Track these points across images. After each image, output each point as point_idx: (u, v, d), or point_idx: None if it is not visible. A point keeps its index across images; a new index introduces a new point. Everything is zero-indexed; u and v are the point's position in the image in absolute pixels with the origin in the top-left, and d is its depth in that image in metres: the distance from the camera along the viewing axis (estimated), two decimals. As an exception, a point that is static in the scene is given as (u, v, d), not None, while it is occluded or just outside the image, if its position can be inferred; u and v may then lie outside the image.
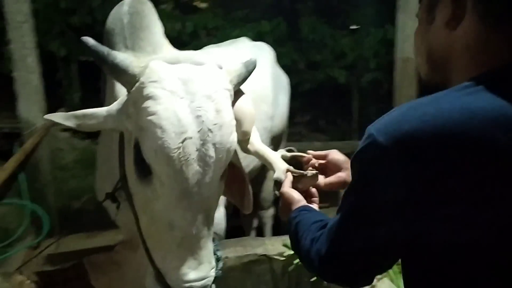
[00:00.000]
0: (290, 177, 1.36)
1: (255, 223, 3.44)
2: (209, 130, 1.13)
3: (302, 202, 1.26)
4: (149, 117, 1.11)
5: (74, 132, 4.04)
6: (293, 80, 3.47)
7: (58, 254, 3.74)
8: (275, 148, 3.22)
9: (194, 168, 1.12)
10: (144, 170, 1.16)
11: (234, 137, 1.22)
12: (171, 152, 1.09)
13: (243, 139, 1.48)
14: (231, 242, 2.40)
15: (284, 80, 3.18)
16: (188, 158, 1.10)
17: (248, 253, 2.34)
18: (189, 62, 1.21)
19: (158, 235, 1.20)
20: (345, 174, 1.39)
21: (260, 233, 3.45)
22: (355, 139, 5.69)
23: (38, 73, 3.72)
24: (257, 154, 1.54)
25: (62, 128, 4.11)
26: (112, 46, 1.45)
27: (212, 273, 1.23)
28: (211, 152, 1.13)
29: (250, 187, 1.52)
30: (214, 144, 1.14)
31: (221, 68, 1.28)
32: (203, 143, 1.12)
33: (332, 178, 1.41)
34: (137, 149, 1.16)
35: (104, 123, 1.27)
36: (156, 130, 1.09)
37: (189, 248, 1.16)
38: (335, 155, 1.45)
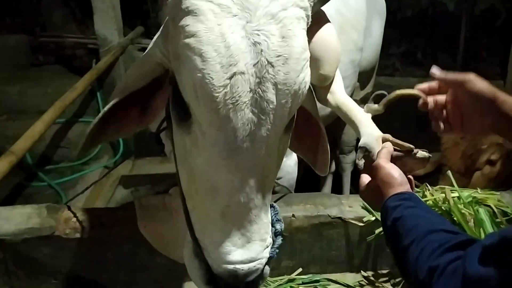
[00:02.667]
0: (390, 147, 1.00)
1: (332, 167, 2.96)
2: (270, 63, 0.78)
3: (405, 186, 0.93)
4: (187, 40, 0.78)
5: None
6: (392, 3, 2.78)
7: (132, 176, 3.62)
8: (362, 86, 2.66)
9: (245, 116, 0.80)
10: (182, 112, 0.87)
11: (305, 75, 0.84)
12: (215, 91, 0.77)
13: (321, 86, 1.10)
14: (300, 198, 1.95)
15: (380, 3, 2.62)
16: (237, 101, 0.78)
17: (319, 213, 1.89)
18: None
19: (198, 198, 0.91)
20: (491, 118, 0.92)
21: (336, 180, 2.97)
22: (459, 76, 4.83)
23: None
24: (338, 109, 1.13)
25: (139, 48, 3.81)
26: None
27: (266, 253, 0.91)
28: (271, 95, 0.80)
29: (327, 143, 1.18)
30: (275, 84, 0.80)
31: None
32: (260, 81, 0.79)
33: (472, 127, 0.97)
34: (174, 85, 0.87)
35: (149, 58, 0.97)
36: (195, 58, 0.77)
37: (236, 221, 0.86)
38: (476, 83, 0.93)
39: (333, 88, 1.14)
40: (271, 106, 0.81)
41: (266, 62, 0.78)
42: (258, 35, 0.78)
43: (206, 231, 0.90)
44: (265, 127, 0.82)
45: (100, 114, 1.03)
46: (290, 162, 1.87)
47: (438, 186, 2.04)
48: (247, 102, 0.79)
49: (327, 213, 1.89)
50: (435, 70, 1.01)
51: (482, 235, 1.77)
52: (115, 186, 3.51)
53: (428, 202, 1.92)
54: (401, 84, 4.35)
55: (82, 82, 3.04)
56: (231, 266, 0.86)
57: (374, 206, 1.03)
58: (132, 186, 3.56)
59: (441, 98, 1.01)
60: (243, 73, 0.77)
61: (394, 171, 0.94)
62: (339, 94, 1.14)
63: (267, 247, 0.93)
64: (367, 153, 1.02)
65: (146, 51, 1.07)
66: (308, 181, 2.25)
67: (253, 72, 0.78)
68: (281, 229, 1.05)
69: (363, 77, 2.54)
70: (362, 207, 1.91)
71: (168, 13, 0.86)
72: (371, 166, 1.01)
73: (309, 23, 0.88)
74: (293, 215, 1.88)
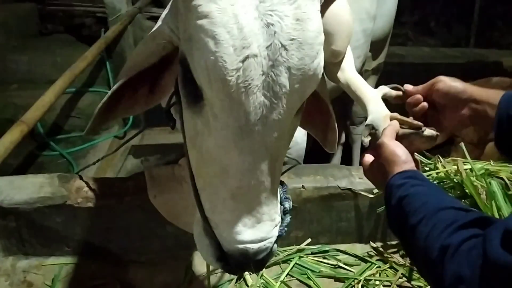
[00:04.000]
0: (396, 125, 0.97)
1: (342, 138, 2.92)
2: (283, 46, 0.75)
3: (410, 164, 0.91)
4: (199, 21, 0.75)
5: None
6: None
7: (142, 146, 3.62)
8: (374, 56, 2.59)
9: (257, 99, 0.77)
10: (193, 94, 0.83)
11: (320, 60, 0.81)
12: (228, 74, 0.74)
13: (332, 62, 1.06)
14: (310, 169, 1.92)
15: (395, -30, 2.49)
16: (250, 84, 0.75)
17: (329, 185, 1.87)
18: None
19: (209, 178, 0.89)
20: (467, 110, 0.96)
21: (346, 150, 2.94)
22: (473, 46, 4.68)
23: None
24: (347, 86, 1.11)
25: (147, 16, 3.73)
26: None
27: (275, 232, 0.91)
28: (283, 79, 0.77)
29: (335, 122, 1.15)
30: (288, 68, 0.76)
31: None
32: (273, 64, 0.76)
33: (449, 122, 1.00)
34: (184, 66, 0.83)
35: (158, 36, 0.93)
36: (207, 40, 0.74)
37: (247, 202, 0.86)
38: (442, 82, 1.00)
39: (343, 65, 1.10)
40: (283, 90, 0.78)
41: (280, 45, 0.75)
42: (271, 15, 0.75)
43: (216, 210, 0.90)
44: (277, 111, 0.80)
45: (109, 93, 1.00)
46: (299, 132, 1.83)
47: (450, 158, 1.99)
48: (260, 85, 0.77)
49: (337, 184, 1.87)
50: (407, 86, 1.06)
51: (494, 208, 1.74)
52: (126, 156, 3.52)
53: (440, 174, 1.89)
54: (414, 54, 4.26)
55: (91, 51, 2.99)
56: (241, 246, 0.87)
57: (378, 185, 0.99)
58: (142, 156, 3.56)
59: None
60: (256, 55, 0.74)
61: (399, 149, 0.91)
62: (349, 71, 1.11)
63: (276, 226, 0.93)
64: (374, 131, 0.99)
65: (154, 28, 1.01)
66: (317, 153, 2.22)
67: (266, 54, 0.75)
68: (289, 207, 1.04)
69: (376, 47, 2.46)
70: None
71: None
72: (376, 145, 0.98)
73: (323, 1, 0.84)
74: (302, 186, 1.86)
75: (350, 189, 1.87)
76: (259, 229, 0.88)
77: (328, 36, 0.94)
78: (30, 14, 4.02)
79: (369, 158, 1.00)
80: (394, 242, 1.98)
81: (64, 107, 3.39)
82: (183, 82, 0.86)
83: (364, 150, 1.04)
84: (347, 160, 2.95)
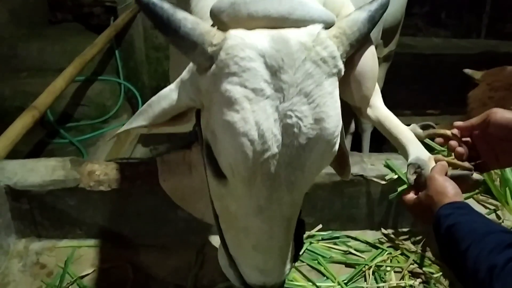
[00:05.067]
0: (445, 165, 0.98)
1: (352, 128, 2.91)
2: (301, 146, 0.80)
3: (459, 197, 0.92)
4: (224, 129, 0.80)
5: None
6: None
7: (150, 135, 3.63)
8: (385, 43, 2.57)
9: (275, 186, 0.84)
10: (218, 171, 0.88)
11: (336, 147, 0.86)
12: (249, 172, 0.81)
13: (361, 105, 1.08)
14: (322, 155, 1.91)
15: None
16: (268, 177, 0.82)
17: (341, 170, 1.85)
18: (285, 17, 0.80)
19: (231, 227, 0.99)
20: None
21: (356, 140, 2.93)
22: (484, 37, 4.63)
23: None
24: (380, 124, 1.09)
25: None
26: None
27: (289, 264, 1.02)
28: (300, 172, 0.83)
29: (349, 159, 1.20)
30: (305, 162, 0.82)
31: (330, 24, 0.85)
32: (290, 162, 0.81)
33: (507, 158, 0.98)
34: (209, 149, 0.87)
35: (178, 102, 0.91)
36: (230, 146, 0.80)
37: (266, 252, 0.96)
38: (499, 115, 0.96)
39: (372, 102, 1.08)
40: (300, 178, 0.84)
41: (298, 145, 0.80)
42: (291, 116, 0.78)
43: (239, 253, 1.00)
44: (294, 193, 0.87)
45: (127, 127, 1.00)
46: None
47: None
48: (276, 178, 0.82)
49: (349, 170, 1.86)
50: (458, 123, 1.04)
51: (508, 195, 1.73)
52: (134, 144, 3.54)
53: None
54: (425, 45, 4.23)
55: (101, 38, 3.01)
56: (261, 283, 0.99)
57: (423, 218, 0.99)
58: (151, 145, 3.58)
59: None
60: (275, 155, 0.80)
61: (449, 183, 0.92)
62: (380, 109, 1.09)
63: (290, 261, 1.03)
64: (419, 170, 0.99)
65: (170, 87, 0.95)
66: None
67: (285, 151, 0.80)
68: (303, 233, 1.13)
69: (387, 34, 2.44)
70: (384, 165, 1.87)
71: (204, 84, 0.83)
72: (421, 183, 0.99)
73: (342, 74, 0.85)
74: (314, 172, 1.85)
75: (362, 176, 1.86)
76: (276, 271, 0.99)
77: (355, 86, 0.98)
78: (39, 3, 4.03)
79: (412, 195, 1.02)
80: (405, 229, 1.97)
81: (74, 96, 3.41)
82: (208, 157, 0.89)
83: (409, 187, 1.03)
84: (356, 149, 2.94)
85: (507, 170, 1.79)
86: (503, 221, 1.70)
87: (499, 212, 1.71)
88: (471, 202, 1.86)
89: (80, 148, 3.20)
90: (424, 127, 1.11)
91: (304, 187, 0.88)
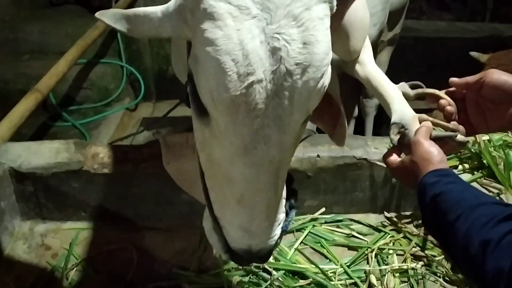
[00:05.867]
0: (430, 126, 0.96)
1: (355, 112, 2.89)
2: (288, 72, 0.75)
3: (444, 164, 0.90)
4: (206, 48, 0.75)
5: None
6: None
7: (153, 118, 3.62)
8: (390, 27, 2.54)
9: (261, 121, 0.78)
10: (201, 108, 0.83)
11: (325, 80, 0.81)
12: (231, 100, 0.76)
13: (349, 60, 1.06)
14: (325, 138, 1.90)
15: None
16: (254, 107, 0.76)
17: (345, 154, 1.86)
18: None
19: (217, 182, 0.93)
20: None
21: (359, 123, 2.91)
22: (489, 20, 4.57)
23: None
24: (367, 82, 1.07)
25: (159, -13, 3.67)
26: None
27: (278, 230, 0.96)
28: (287, 102, 0.78)
29: (345, 120, 1.15)
30: (292, 92, 0.77)
31: None
32: (277, 88, 0.76)
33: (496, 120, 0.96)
34: (192, 81, 0.82)
35: (161, 29, 0.88)
36: (212, 67, 0.75)
37: (251, 207, 0.89)
38: (495, 75, 0.95)
39: (361, 58, 1.06)
40: (287, 112, 0.79)
41: (285, 70, 0.74)
42: (278, 39, 0.73)
43: (223, 212, 0.94)
44: (281, 130, 0.81)
45: (109, 23, 0.93)
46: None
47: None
48: (263, 108, 0.77)
49: (352, 154, 1.86)
50: (453, 79, 1.02)
51: (512, 178, 1.73)
52: (137, 128, 3.53)
53: (456, 145, 1.87)
54: (429, 28, 4.17)
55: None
56: (246, 246, 0.93)
57: (408, 183, 0.97)
58: (153, 128, 3.57)
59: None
60: (261, 81, 0.74)
61: (434, 149, 0.91)
62: (369, 66, 1.07)
63: (280, 224, 0.97)
64: (403, 130, 0.97)
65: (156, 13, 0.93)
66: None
67: (271, 78, 0.75)
68: (294, 204, 1.07)
69: (392, 17, 2.40)
70: (388, 149, 1.87)
71: (187, 2, 0.80)
72: (405, 143, 0.98)
73: (334, 10, 0.82)
74: (318, 156, 1.85)
75: (365, 159, 1.86)
76: (262, 231, 0.92)
77: (343, 36, 0.95)
78: (40, -15, 3.98)
79: (395, 156, 1.00)
80: (408, 213, 1.97)
81: (76, 79, 3.39)
82: (192, 94, 0.85)
83: (392, 147, 1.02)
84: (359, 133, 2.93)
85: (511, 153, 1.78)
86: (506, 205, 1.70)
87: (502, 196, 1.71)
88: (475, 185, 1.86)
89: (82, 131, 3.20)
90: (413, 87, 1.08)
91: (293, 125, 0.82)
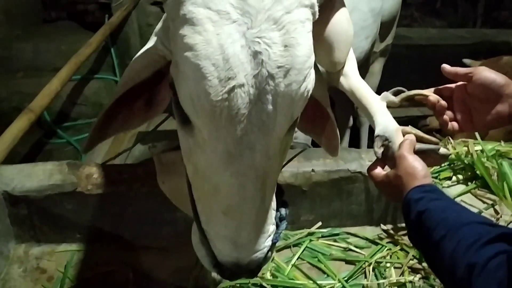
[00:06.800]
0: (414, 139, 0.96)
1: (350, 121, 2.90)
2: (270, 75, 0.73)
3: (428, 179, 0.90)
4: (185, 53, 0.74)
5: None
6: None
7: (148, 132, 3.60)
8: (382, 38, 2.54)
9: (245, 127, 0.76)
10: (183, 116, 0.82)
11: (308, 84, 0.79)
12: (213, 105, 0.74)
13: (333, 71, 1.06)
14: (319, 152, 1.90)
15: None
16: (236, 113, 0.74)
17: (339, 168, 1.85)
18: None
19: (203, 193, 0.90)
20: (507, 107, 0.92)
21: (354, 134, 2.91)
22: (480, 26, 4.59)
23: None
24: (351, 94, 1.08)
25: (151, 1, 3.68)
26: None
27: (267, 242, 0.93)
28: (270, 107, 0.76)
29: (337, 129, 1.14)
30: (275, 95, 0.75)
31: None
32: (260, 93, 0.74)
33: (482, 118, 0.96)
34: (174, 91, 0.82)
35: (152, 49, 0.92)
36: (192, 73, 0.74)
37: (238, 218, 0.86)
38: (484, 73, 0.95)
39: (346, 70, 1.07)
40: (271, 117, 0.77)
41: (267, 74, 0.73)
42: (259, 43, 0.72)
43: (211, 224, 0.91)
44: (265, 136, 0.80)
45: (103, 110, 0.99)
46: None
47: (461, 140, 1.97)
48: (246, 113, 0.76)
49: (347, 167, 1.85)
50: (445, 66, 1.01)
51: (506, 189, 1.72)
52: (133, 142, 3.51)
53: (450, 156, 1.87)
54: (421, 36, 4.19)
55: (96, 37, 2.97)
56: (234, 259, 0.90)
57: (392, 197, 0.98)
58: (149, 142, 3.55)
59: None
60: (242, 85, 0.73)
61: (418, 163, 0.91)
62: (353, 78, 1.08)
63: (270, 236, 0.94)
64: (387, 142, 0.98)
65: (149, 42, 1.00)
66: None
67: (253, 83, 0.74)
68: (286, 214, 1.06)
69: (383, 28, 2.42)
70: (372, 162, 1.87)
71: (168, 12, 0.80)
72: (389, 156, 0.98)
73: (316, 17, 0.82)
74: (312, 170, 1.84)
75: (360, 172, 1.85)
76: (250, 243, 0.89)
77: (327, 47, 0.95)
78: (33, 2, 3.99)
79: (380, 169, 1.01)
80: (404, 224, 1.96)
81: (70, 95, 3.39)
82: (175, 103, 0.84)
83: (376, 160, 1.03)
84: (355, 143, 2.93)
85: (505, 164, 1.78)
86: (501, 216, 1.69)
87: (496, 207, 1.71)
88: (468, 196, 1.86)
89: (78, 147, 3.19)
90: (395, 93, 1.09)
91: (277, 131, 0.80)
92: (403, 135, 1.00)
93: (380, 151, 0.99)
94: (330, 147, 1.21)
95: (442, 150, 0.98)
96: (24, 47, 3.51)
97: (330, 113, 1.11)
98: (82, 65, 2.80)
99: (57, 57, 3.31)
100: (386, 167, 1.03)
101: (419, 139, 0.99)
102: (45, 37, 3.67)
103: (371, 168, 1.03)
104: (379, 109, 1.05)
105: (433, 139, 1.00)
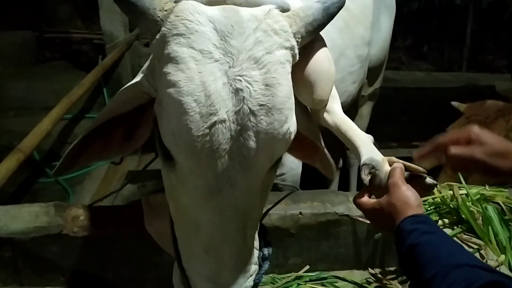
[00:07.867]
0: (402, 167, 0.97)
1: (340, 163, 2.94)
2: (252, 112, 0.77)
3: (421, 209, 0.90)
4: (168, 90, 0.77)
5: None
6: (398, -3, 2.75)
7: (138, 172, 3.61)
8: (370, 82, 2.63)
9: (226, 163, 0.78)
10: (166, 152, 0.84)
11: (289, 125, 0.82)
12: (194, 140, 0.76)
13: (317, 109, 1.10)
14: (307, 195, 1.93)
15: (389, -2, 2.55)
16: (218, 148, 0.76)
17: (327, 211, 1.87)
18: (238, 2, 0.83)
19: (184, 230, 0.91)
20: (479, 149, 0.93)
21: (344, 175, 2.95)
22: (466, 70, 4.76)
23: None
24: (336, 129, 1.10)
25: (145, 43, 3.78)
26: None
27: (249, 282, 0.93)
28: (252, 143, 0.78)
29: (328, 157, 1.16)
30: (257, 133, 0.78)
31: (285, 10, 0.86)
32: (242, 129, 0.77)
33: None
34: (157, 127, 0.84)
35: (137, 84, 0.96)
36: (174, 108, 0.76)
37: (219, 256, 0.86)
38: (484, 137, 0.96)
39: (329, 107, 1.10)
40: (252, 154, 0.79)
41: (248, 111, 0.76)
42: (241, 80, 0.76)
43: (191, 262, 0.91)
44: (247, 173, 0.81)
45: (80, 137, 1.01)
46: (294, 158, 1.86)
47: (446, 183, 2.01)
48: (228, 149, 0.78)
49: (334, 210, 1.87)
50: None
51: (491, 233, 1.75)
52: (122, 182, 3.51)
53: (436, 200, 1.90)
54: (407, 78, 4.32)
55: (89, 78, 3.03)
56: None
57: (382, 226, 0.97)
58: (139, 182, 3.55)
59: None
60: (224, 121, 0.76)
61: (411, 192, 0.92)
62: (337, 114, 1.11)
63: (251, 276, 0.94)
64: (373, 170, 1.00)
65: (136, 78, 1.05)
66: (315, 177, 2.23)
67: (235, 119, 0.77)
68: (268, 254, 1.07)
69: (371, 73, 2.51)
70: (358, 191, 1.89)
71: (154, 51, 0.84)
72: (375, 185, 0.99)
73: (297, 60, 0.86)
74: (300, 213, 1.86)
75: (347, 215, 1.87)
76: (231, 283, 0.89)
77: (309, 86, 0.98)
78: (27, 41, 4.08)
79: (367, 197, 1.01)
80: (392, 268, 1.97)
81: (61, 134, 3.41)
82: (158, 140, 0.86)
83: (363, 187, 1.04)
84: (344, 184, 2.96)
85: (490, 208, 1.81)
86: (486, 261, 1.71)
87: (482, 252, 1.73)
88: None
89: (66, 187, 3.18)
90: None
91: (258, 168, 0.81)
92: (390, 165, 1.01)
93: (367, 178, 0.99)
94: (325, 171, 1.22)
95: (429, 180, 0.99)
96: (17, 86, 3.57)
97: (320, 146, 1.14)
98: (74, 104, 2.85)
99: (49, 97, 3.35)
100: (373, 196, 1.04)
101: (406, 168, 1.00)
102: (38, 76, 3.74)
103: (358, 196, 1.03)
104: (364, 141, 1.07)
105: (420, 168, 1.00)
